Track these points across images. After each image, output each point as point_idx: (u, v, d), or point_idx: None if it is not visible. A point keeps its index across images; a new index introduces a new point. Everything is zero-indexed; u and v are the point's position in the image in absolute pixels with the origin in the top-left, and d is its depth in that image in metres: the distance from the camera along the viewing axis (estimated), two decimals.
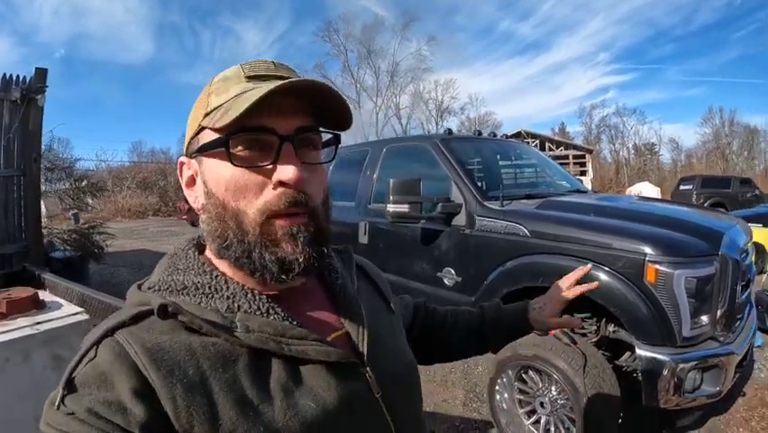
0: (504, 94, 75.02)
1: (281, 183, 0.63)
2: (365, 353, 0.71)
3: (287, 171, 0.63)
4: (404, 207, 3.35)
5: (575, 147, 33.65)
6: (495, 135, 4.70)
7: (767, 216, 7.44)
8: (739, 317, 2.87)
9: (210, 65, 74.06)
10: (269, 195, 0.64)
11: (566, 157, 32.42)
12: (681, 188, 19.12)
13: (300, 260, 0.64)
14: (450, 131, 4.28)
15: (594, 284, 1.15)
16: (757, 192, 15.52)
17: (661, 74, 76.68)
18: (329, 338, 0.70)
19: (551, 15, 77.04)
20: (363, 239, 4.32)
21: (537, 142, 32.68)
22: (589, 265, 1.26)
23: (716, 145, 46.62)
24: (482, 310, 1.18)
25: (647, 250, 2.49)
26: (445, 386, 3.99)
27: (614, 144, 50.85)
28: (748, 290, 3.11)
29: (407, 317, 1.09)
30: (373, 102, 38.10)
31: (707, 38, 71.08)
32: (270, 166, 0.64)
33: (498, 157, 4.44)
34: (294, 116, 0.65)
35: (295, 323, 0.66)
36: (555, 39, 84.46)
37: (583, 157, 31.66)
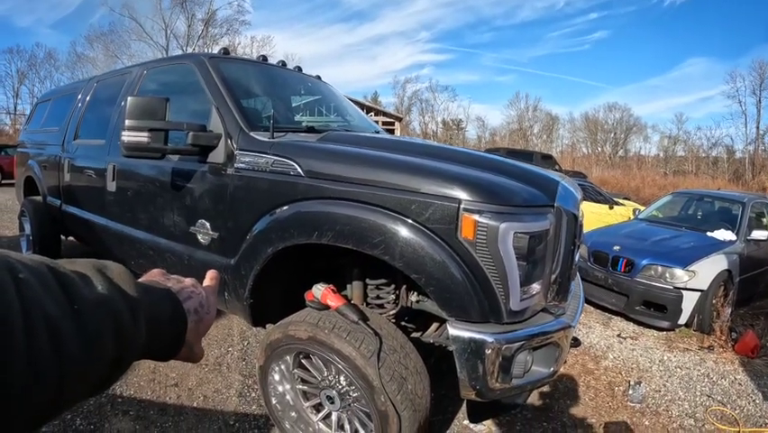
0: (322, 59, 72.43)
1: None
2: None
3: None
4: (142, 136, 2.32)
5: (385, 114, 33.51)
6: (284, 65, 3.82)
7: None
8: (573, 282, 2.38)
9: None
10: None
11: (375, 123, 32.28)
12: None
13: None
14: (226, 50, 3.31)
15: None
16: (557, 168, 16.68)
17: (476, 58, 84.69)
18: None
19: None
20: (111, 186, 3.30)
21: None
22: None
23: (519, 126, 52.93)
24: None
25: (462, 195, 1.78)
26: (219, 371, 3.10)
27: (423, 117, 54.75)
28: (579, 252, 2.66)
29: None
30: (183, 51, 34.57)
31: (524, 32, 78.30)
32: None
33: (285, 88, 3.63)
34: None
35: None
36: (381, 11, 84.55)
37: (392, 124, 31.80)
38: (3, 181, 14.64)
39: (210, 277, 0.74)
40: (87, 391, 0.45)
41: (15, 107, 40.27)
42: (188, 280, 0.67)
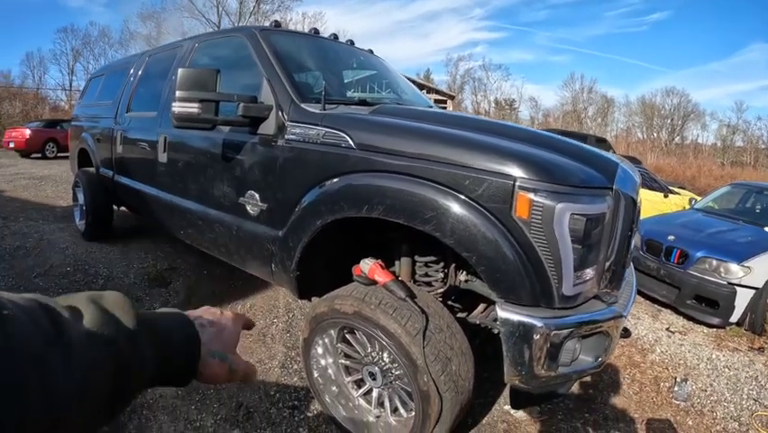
0: (373, 35, 72.29)
1: None
2: None
3: None
4: (193, 107, 2.34)
5: (437, 92, 32.68)
6: (336, 37, 3.77)
7: None
8: (627, 270, 2.28)
9: None
10: None
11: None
12: None
13: None
14: (277, 23, 3.30)
15: None
16: (612, 152, 16.06)
17: (530, 37, 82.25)
18: None
19: None
20: (162, 157, 3.36)
21: None
22: None
23: (573, 108, 50.93)
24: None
25: (517, 172, 1.70)
26: (264, 342, 3.16)
27: (476, 96, 53.45)
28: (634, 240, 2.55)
29: None
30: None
31: (580, 10, 76.41)
32: None
33: (336, 62, 3.59)
34: None
35: None
36: None
37: (444, 102, 30.94)
38: (58, 154, 15.30)
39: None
40: (91, 423, 0.45)
41: (71, 84, 41.81)
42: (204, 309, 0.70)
